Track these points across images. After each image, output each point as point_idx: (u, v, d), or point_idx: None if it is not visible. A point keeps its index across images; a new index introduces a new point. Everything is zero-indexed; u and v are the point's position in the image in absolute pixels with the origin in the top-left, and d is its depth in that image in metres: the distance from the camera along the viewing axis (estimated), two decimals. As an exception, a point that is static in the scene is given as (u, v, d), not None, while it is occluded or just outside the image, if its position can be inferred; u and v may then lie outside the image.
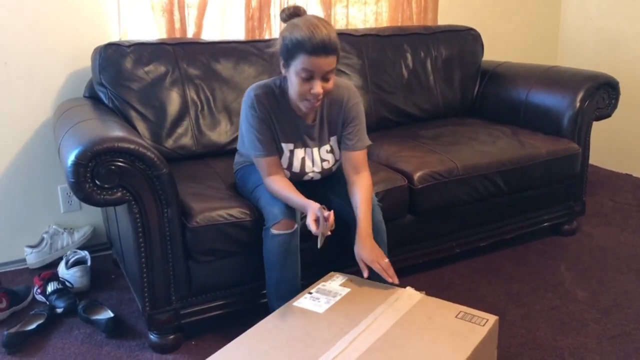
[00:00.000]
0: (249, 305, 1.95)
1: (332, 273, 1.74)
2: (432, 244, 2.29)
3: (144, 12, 2.48)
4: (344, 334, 1.41)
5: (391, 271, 1.66)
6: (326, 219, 1.61)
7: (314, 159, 1.87)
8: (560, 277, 2.29)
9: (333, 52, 1.62)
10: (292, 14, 1.70)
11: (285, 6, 1.72)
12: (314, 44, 1.58)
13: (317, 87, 1.63)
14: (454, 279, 2.28)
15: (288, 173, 1.86)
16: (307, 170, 1.87)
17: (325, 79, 1.65)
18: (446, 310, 1.53)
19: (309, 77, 1.63)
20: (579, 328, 1.94)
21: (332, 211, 1.64)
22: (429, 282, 2.23)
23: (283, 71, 1.72)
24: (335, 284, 1.67)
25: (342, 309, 1.53)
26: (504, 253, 2.48)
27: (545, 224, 2.58)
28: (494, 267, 2.37)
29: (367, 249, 1.69)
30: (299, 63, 1.61)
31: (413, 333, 1.42)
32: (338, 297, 1.59)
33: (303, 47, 1.59)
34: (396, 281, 1.65)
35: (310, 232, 1.62)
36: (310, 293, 1.62)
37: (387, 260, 1.69)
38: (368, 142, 1.87)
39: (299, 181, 1.87)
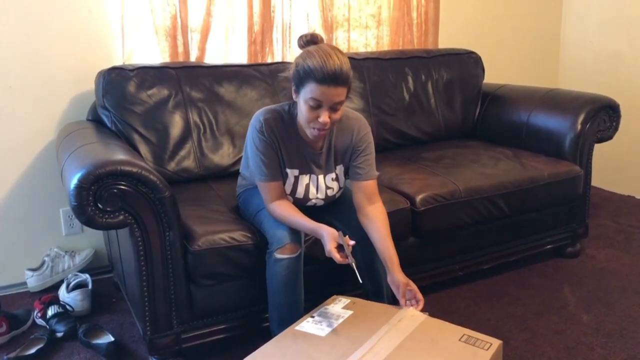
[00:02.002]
0: (250, 329, 1.93)
1: (334, 296, 1.73)
2: (435, 267, 2.28)
3: (147, 36, 2.51)
4: (347, 357, 1.40)
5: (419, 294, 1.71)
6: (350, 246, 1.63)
7: (319, 186, 1.87)
8: (565, 300, 2.27)
9: (343, 84, 1.62)
10: (308, 41, 1.69)
11: (304, 33, 1.72)
12: (324, 73, 1.58)
13: (324, 117, 1.63)
14: (457, 302, 2.26)
15: (291, 199, 1.86)
16: (310, 197, 1.87)
17: (333, 109, 1.65)
18: (450, 333, 1.51)
19: (317, 105, 1.63)
20: (584, 352, 1.92)
21: (354, 242, 1.65)
22: (432, 306, 2.20)
23: (294, 96, 1.72)
24: (337, 307, 1.65)
25: (344, 332, 1.52)
26: (507, 276, 2.47)
27: (549, 246, 2.57)
28: (497, 290, 2.36)
29: (403, 275, 1.72)
30: (309, 91, 1.62)
31: (416, 356, 1.41)
32: (340, 320, 1.57)
33: (313, 75, 1.59)
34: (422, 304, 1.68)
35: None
36: (313, 317, 1.61)
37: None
38: (377, 172, 1.88)
39: (301, 207, 1.86)
